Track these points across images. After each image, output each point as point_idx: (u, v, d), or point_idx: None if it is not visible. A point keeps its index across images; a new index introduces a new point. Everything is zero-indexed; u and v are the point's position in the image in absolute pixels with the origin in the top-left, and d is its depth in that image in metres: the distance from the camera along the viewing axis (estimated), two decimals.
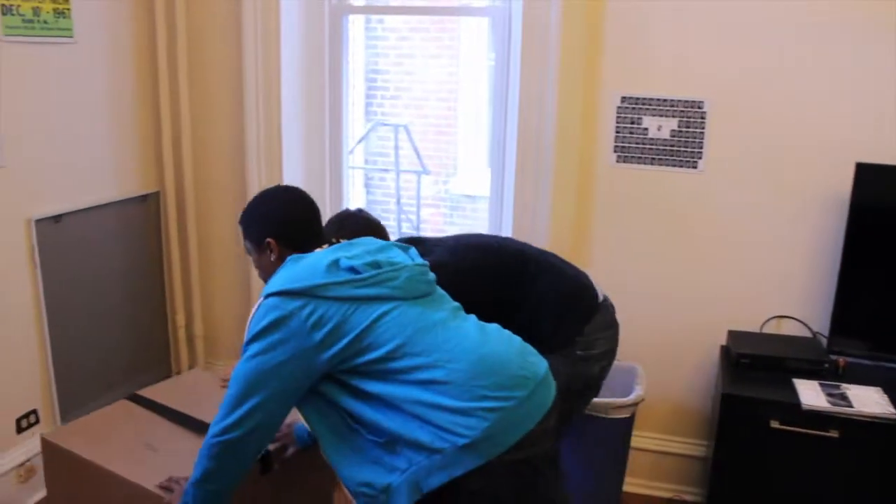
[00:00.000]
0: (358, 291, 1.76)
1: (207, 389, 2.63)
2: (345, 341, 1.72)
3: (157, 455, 2.19)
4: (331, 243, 1.96)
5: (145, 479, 2.06)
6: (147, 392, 2.55)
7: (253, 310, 1.79)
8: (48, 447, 2.28)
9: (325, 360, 1.72)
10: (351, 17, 3.26)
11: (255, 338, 1.74)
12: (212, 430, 1.78)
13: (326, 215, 3.43)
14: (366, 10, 3.32)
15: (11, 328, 2.73)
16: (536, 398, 1.77)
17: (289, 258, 1.87)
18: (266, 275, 1.96)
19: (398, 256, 1.90)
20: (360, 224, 2.37)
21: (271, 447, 2.16)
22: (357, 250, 1.88)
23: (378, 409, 1.73)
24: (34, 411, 2.83)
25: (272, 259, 1.94)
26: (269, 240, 1.93)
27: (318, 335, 1.72)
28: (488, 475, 1.67)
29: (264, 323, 1.73)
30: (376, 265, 1.81)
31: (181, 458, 2.16)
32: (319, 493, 2.52)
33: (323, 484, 2.53)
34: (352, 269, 1.79)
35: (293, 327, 1.72)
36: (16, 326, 2.74)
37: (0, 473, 2.70)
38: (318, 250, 1.91)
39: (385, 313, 1.76)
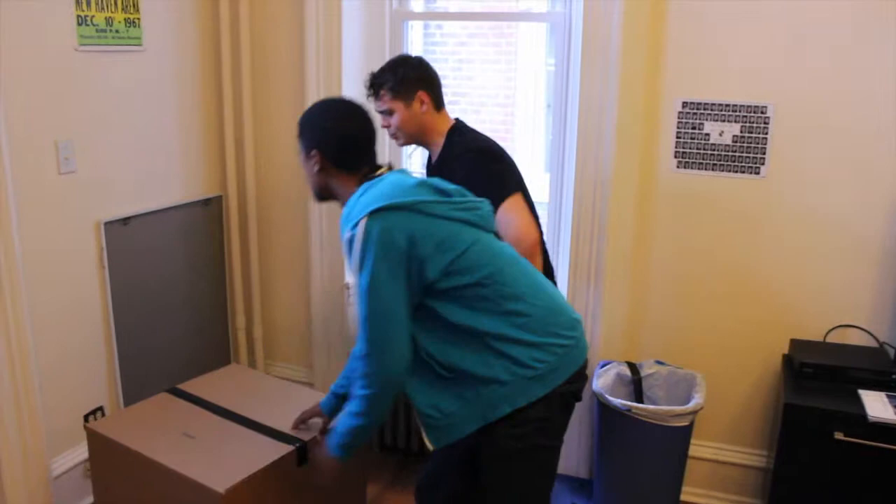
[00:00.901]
0: (455, 213, 1.81)
1: (244, 383, 2.71)
2: (450, 256, 1.77)
3: (194, 443, 2.27)
4: (376, 169, 1.96)
5: (181, 465, 2.15)
6: (186, 386, 2.65)
7: (348, 235, 1.78)
8: (92, 435, 2.39)
9: (433, 272, 1.76)
10: (410, 23, 3.29)
11: (369, 261, 1.73)
12: (362, 367, 1.81)
13: None
14: (425, 16, 3.35)
15: (81, 328, 2.81)
16: (583, 340, 1.94)
17: (365, 184, 1.87)
18: (309, 184, 2.02)
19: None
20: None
21: (307, 438, 2.26)
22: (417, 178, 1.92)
23: (453, 344, 1.82)
24: (101, 408, 2.92)
25: (315, 169, 1.96)
26: (314, 150, 1.94)
27: (427, 248, 1.75)
28: (548, 404, 1.83)
29: (375, 240, 1.73)
30: (459, 192, 1.88)
31: (217, 446, 2.25)
32: (353, 485, 2.57)
33: (358, 476, 2.58)
34: (441, 191, 1.84)
35: (406, 238, 1.74)
36: (85, 326, 2.83)
37: (69, 467, 2.79)
38: (382, 173, 1.93)
39: (477, 240, 1.82)
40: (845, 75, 2.56)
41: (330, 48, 3.12)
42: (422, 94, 2.41)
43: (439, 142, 2.45)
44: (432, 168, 2.51)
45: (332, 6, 3.08)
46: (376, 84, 2.45)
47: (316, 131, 1.96)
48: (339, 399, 2.23)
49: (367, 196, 1.81)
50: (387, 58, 3.27)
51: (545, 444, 1.90)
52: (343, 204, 1.94)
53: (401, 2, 3.27)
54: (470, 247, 1.79)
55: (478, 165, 2.30)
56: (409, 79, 2.41)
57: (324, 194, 2.02)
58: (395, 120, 2.43)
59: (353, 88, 3.24)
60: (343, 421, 1.92)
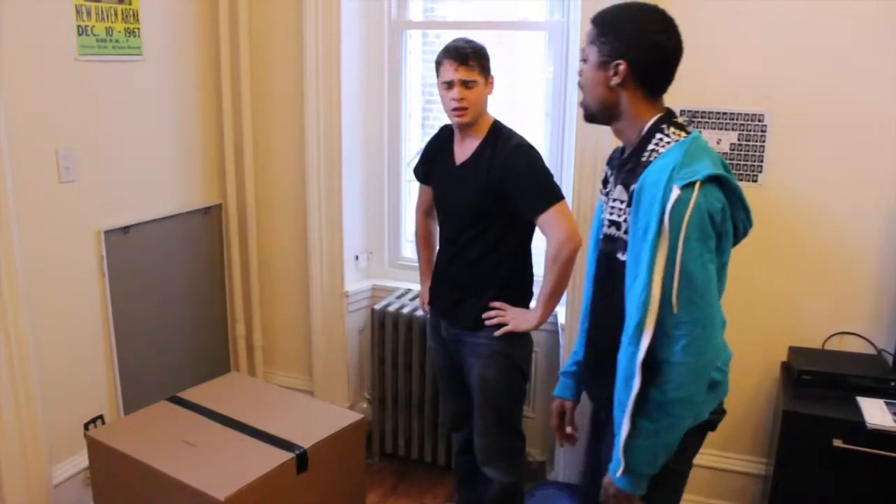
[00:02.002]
0: (741, 222, 1.66)
1: (244, 391, 2.72)
2: (719, 262, 1.62)
3: (194, 450, 2.28)
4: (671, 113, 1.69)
5: (181, 473, 2.16)
6: (186, 394, 2.66)
7: (676, 195, 1.51)
8: (92, 443, 2.40)
9: None
10: (409, 32, 3.30)
11: (698, 233, 1.53)
12: (678, 351, 1.58)
13: (386, 224, 3.47)
14: (424, 25, 3.36)
15: (81, 336, 2.82)
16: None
17: (687, 139, 1.60)
18: (591, 97, 1.70)
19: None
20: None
21: (307, 445, 2.24)
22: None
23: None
24: (101, 416, 2.92)
25: (613, 82, 1.63)
26: (622, 60, 1.62)
27: (721, 242, 1.59)
28: (688, 432, 1.72)
29: (710, 210, 1.52)
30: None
31: (217, 453, 2.26)
32: (353, 493, 2.57)
33: (355, 484, 2.58)
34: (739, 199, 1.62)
35: (723, 220, 1.58)
36: (85, 335, 2.84)
37: (69, 475, 2.79)
38: (687, 126, 1.67)
39: (729, 256, 1.66)
40: (842, 83, 2.57)
41: (329, 57, 3.13)
42: (491, 79, 2.49)
43: (480, 133, 2.51)
44: (464, 162, 2.51)
45: (331, 16, 3.09)
46: (470, 52, 2.41)
47: (633, 38, 1.61)
48: (575, 377, 2.06)
49: (698, 154, 1.56)
50: (386, 68, 3.30)
51: (680, 469, 1.83)
52: (617, 130, 1.74)
53: (399, 11, 3.29)
54: (727, 262, 1.65)
55: (536, 162, 2.42)
56: (489, 62, 2.48)
57: (604, 113, 1.71)
58: (474, 93, 2.42)
59: (353, 98, 3.26)
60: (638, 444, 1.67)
